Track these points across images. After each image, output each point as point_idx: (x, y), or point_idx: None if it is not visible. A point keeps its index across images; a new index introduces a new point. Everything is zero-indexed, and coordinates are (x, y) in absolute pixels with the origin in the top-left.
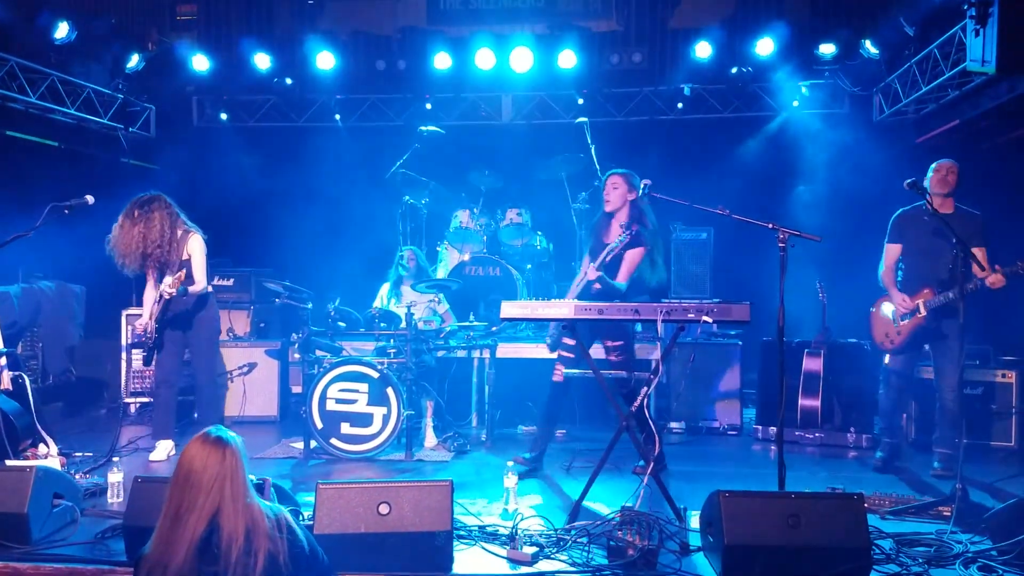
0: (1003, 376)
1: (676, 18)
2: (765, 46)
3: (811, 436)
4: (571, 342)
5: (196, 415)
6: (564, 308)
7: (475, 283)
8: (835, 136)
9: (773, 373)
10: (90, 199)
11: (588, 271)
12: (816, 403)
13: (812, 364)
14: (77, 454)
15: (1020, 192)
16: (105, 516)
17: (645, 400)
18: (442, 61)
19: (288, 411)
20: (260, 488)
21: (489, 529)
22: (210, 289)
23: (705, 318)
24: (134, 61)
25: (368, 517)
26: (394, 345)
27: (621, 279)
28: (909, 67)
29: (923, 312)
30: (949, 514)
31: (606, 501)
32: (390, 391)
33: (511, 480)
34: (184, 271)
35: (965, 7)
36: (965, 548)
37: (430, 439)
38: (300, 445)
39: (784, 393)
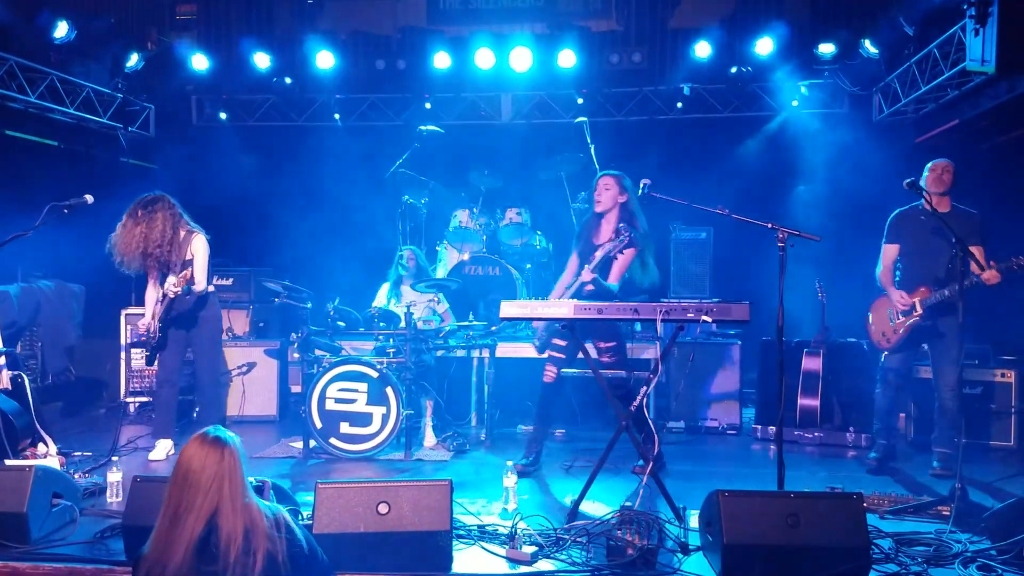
0: (1002, 376)
1: (676, 18)
2: (765, 46)
3: (810, 436)
4: (561, 342)
5: (197, 414)
6: (564, 308)
7: (475, 283)
8: (834, 136)
9: (772, 373)
10: (89, 198)
11: (583, 273)
12: (815, 403)
13: (811, 364)
14: (76, 454)
15: (1020, 192)
16: (104, 516)
17: (644, 400)
18: (442, 61)
19: (287, 411)
20: (260, 490)
21: (488, 528)
22: (211, 289)
23: (704, 318)
24: (133, 60)
25: (367, 517)
26: (393, 345)
27: (612, 280)
28: (909, 67)
29: (919, 311)
30: (948, 514)
31: (605, 501)
32: (389, 391)
33: (510, 479)
34: (189, 271)
35: (965, 7)
36: (964, 548)
37: (429, 439)
38: (299, 444)
39: (783, 393)
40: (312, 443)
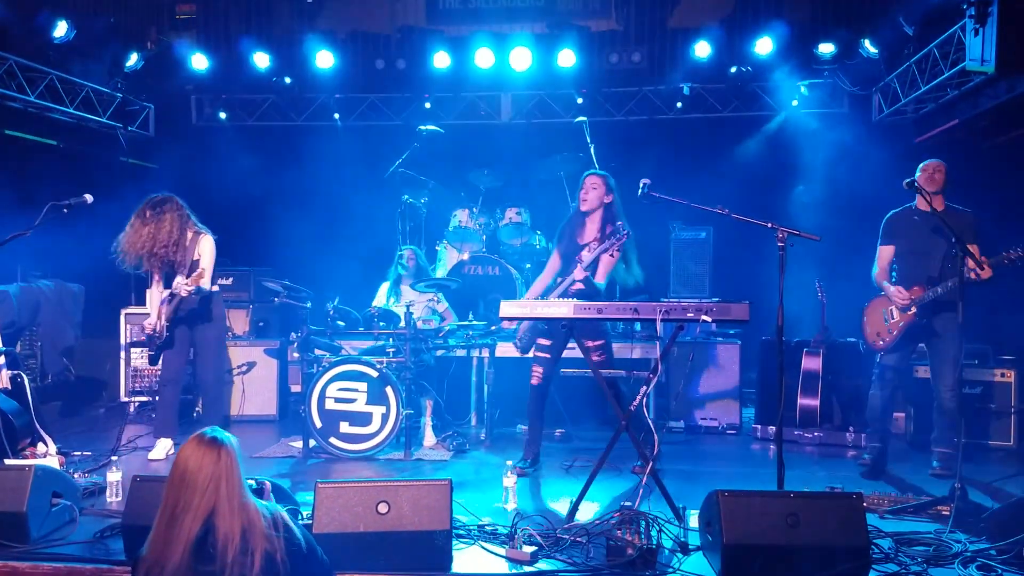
0: (1002, 375)
1: (675, 17)
2: (764, 45)
3: (810, 435)
4: (546, 342)
5: (200, 413)
6: (563, 308)
7: (474, 282)
8: (834, 136)
9: (772, 372)
10: (89, 198)
11: (576, 271)
12: (815, 402)
13: (811, 363)
14: (76, 453)
15: (1019, 191)
16: (104, 515)
17: (644, 400)
18: (441, 60)
19: (287, 410)
20: (259, 491)
21: (488, 528)
22: (215, 289)
23: (704, 317)
24: (133, 60)
25: (367, 516)
26: (393, 344)
27: (599, 279)
28: (908, 67)
29: (913, 310)
30: (948, 513)
31: (605, 500)
32: (389, 390)
33: (510, 479)
34: (202, 270)
35: (964, 7)
36: (964, 547)
37: (429, 438)
38: (299, 444)
39: (783, 392)
40: (312, 443)
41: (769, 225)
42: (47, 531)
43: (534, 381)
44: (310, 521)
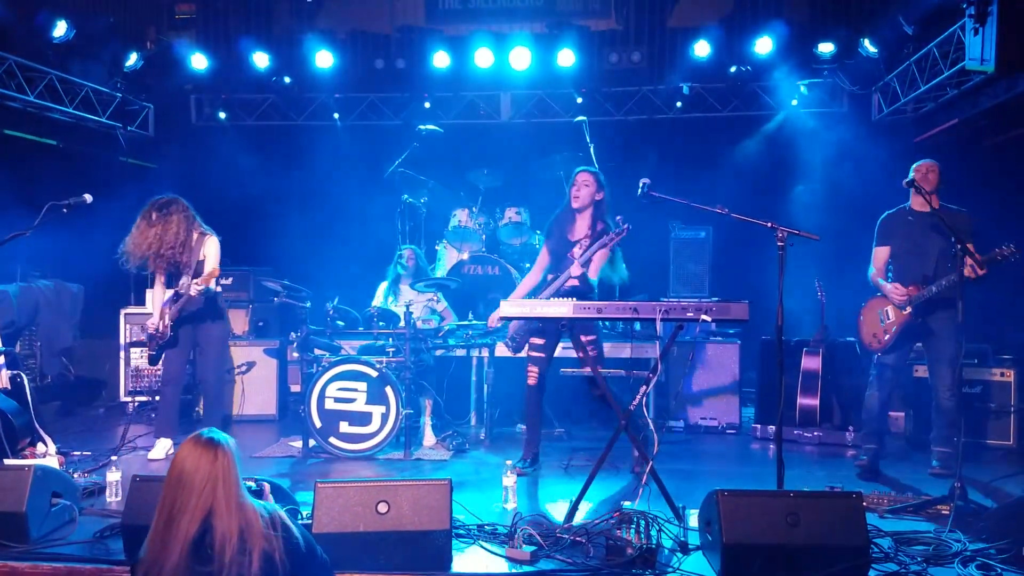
0: (1001, 375)
1: (675, 17)
2: (764, 45)
3: (810, 435)
4: (539, 341)
5: (201, 412)
6: (563, 307)
7: (474, 282)
8: (834, 135)
9: (772, 372)
10: (88, 198)
11: (573, 267)
12: (815, 402)
13: (811, 363)
14: (75, 453)
15: (1018, 191)
16: (104, 515)
17: (644, 399)
18: (441, 60)
19: (287, 410)
20: (258, 493)
21: (488, 528)
22: (218, 290)
23: (704, 317)
24: (132, 60)
25: (367, 516)
26: (393, 344)
27: (592, 275)
28: (908, 66)
29: (909, 309)
30: (948, 513)
31: (605, 500)
32: (389, 390)
33: (510, 479)
34: (217, 268)
35: (964, 6)
36: (964, 547)
37: (429, 438)
38: (299, 444)
39: (783, 392)
40: (311, 442)
41: (769, 225)
42: (47, 531)
43: (531, 381)
44: (310, 521)
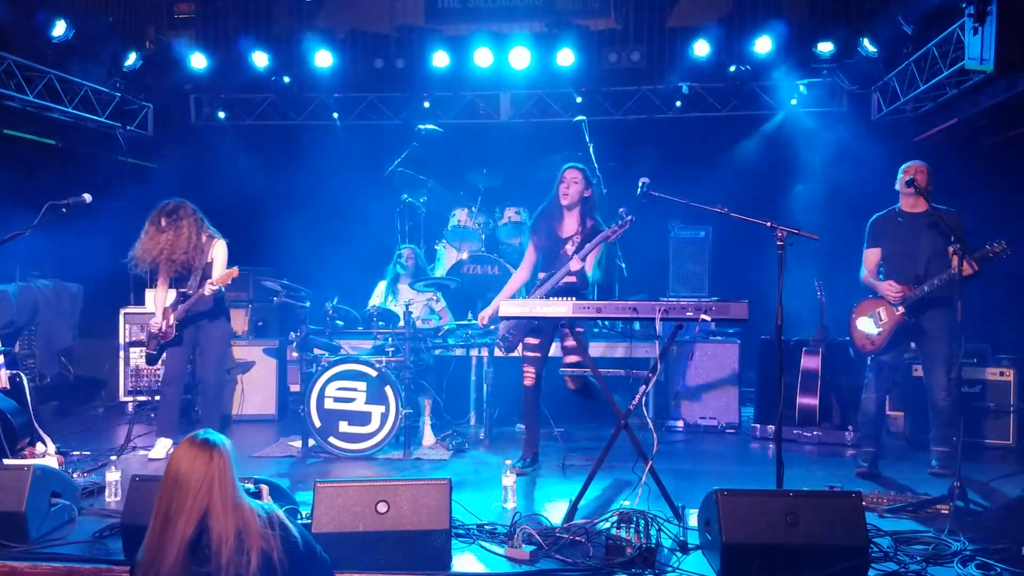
0: (1001, 374)
1: (674, 16)
2: (763, 44)
3: (809, 434)
4: (535, 341)
5: (199, 412)
6: (563, 307)
7: (473, 282)
8: (833, 134)
9: (771, 371)
10: (88, 197)
11: (572, 262)
12: (814, 401)
13: (810, 362)
14: (75, 453)
15: (1018, 190)
16: (103, 515)
17: (643, 399)
18: (440, 60)
19: (286, 410)
20: (257, 495)
21: (487, 528)
22: (223, 289)
23: (703, 316)
24: (132, 59)
25: (366, 516)
26: (392, 344)
27: (588, 271)
28: (907, 65)
29: (902, 309)
30: (947, 512)
31: (604, 499)
32: (388, 390)
33: (509, 478)
34: (236, 269)
35: (964, 5)
36: (963, 546)
37: (428, 437)
38: (298, 444)
39: (782, 391)
40: (311, 442)
41: (768, 224)
42: (46, 531)
43: (527, 382)
44: (309, 521)
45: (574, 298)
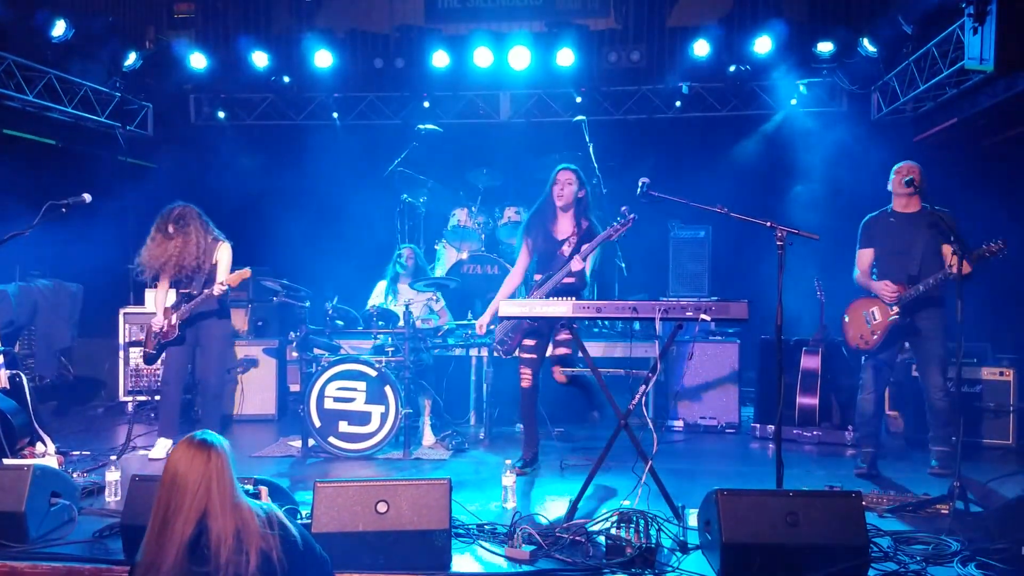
0: (1001, 374)
1: (674, 16)
2: (763, 44)
3: (809, 434)
4: (531, 342)
5: (200, 412)
6: (563, 307)
7: (473, 281)
8: (833, 134)
9: (771, 371)
10: (87, 197)
11: (573, 262)
12: (814, 401)
13: (810, 362)
14: (75, 453)
15: (1017, 190)
16: (103, 515)
17: (643, 399)
18: (440, 59)
19: (286, 409)
20: (256, 497)
21: (487, 527)
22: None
23: (703, 316)
24: (131, 59)
25: (366, 516)
26: (392, 343)
27: (586, 271)
28: (907, 65)
29: (896, 309)
30: (947, 512)
31: (604, 499)
32: (388, 389)
33: (509, 478)
34: (248, 270)
35: (963, 5)
36: (963, 546)
37: (428, 437)
38: (298, 443)
39: (782, 391)
40: (311, 442)
41: (768, 224)
42: (46, 531)
43: (524, 384)
44: (309, 520)
45: (574, 298)
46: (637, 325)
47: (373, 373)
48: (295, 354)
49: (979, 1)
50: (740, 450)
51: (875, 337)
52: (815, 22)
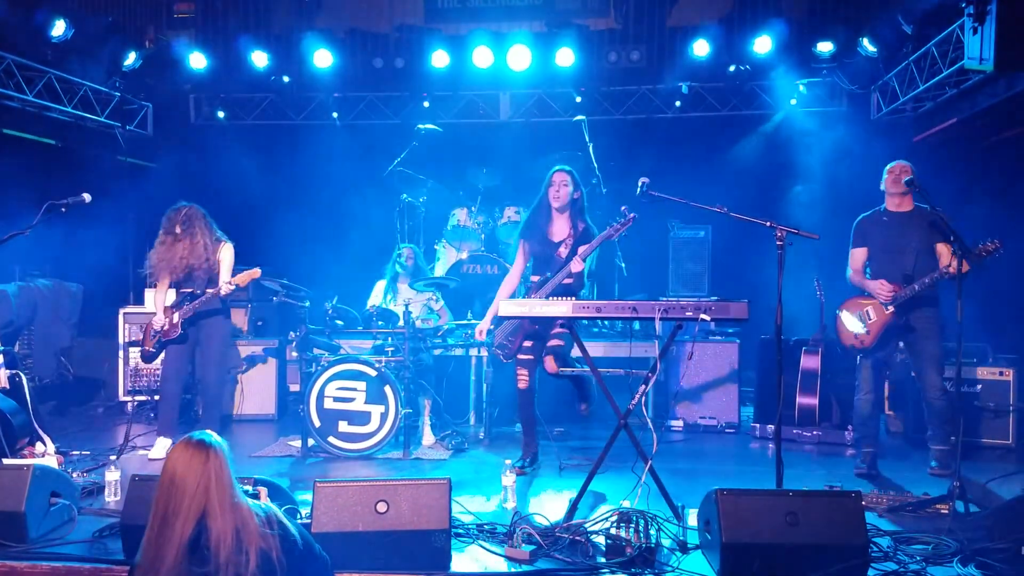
0: (1000, 374)
1: (674, 16)
2: (763, 44)
3: (809, 434)
4: (528, 343)
5: (200, 411)
6: (563, 307)
7: (473, 281)
8: (833, 134)
9: (771, 371)
10: (87, 197)
11: (573, 262)
12: (814, 401)
13: (810, 362)
14: (74, 452)
15: (1017, 189)
16: (103, 515)
17: (643, 398)
18: (440, 59)
19: (286, 409)
20: (255, 498)
21: (487, 527)
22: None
23: (703, 316)
24: (131, 59)
25: (366, 515)
26: (392, 343)
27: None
28: (907, 65)
29: (891, 309)
30: (947, 512)
31: (604, 499)
32: (388, 389)
33: (509, 478)
34: (258, 270)
35: (963, 5)
36: (963, 546)
37: (428, 437)
38: (298, 443)
39: (782, 391)
40: (311, 442)
41: (768, 224)
42: (45, 530)
43: (521, 385)
44: (309, 520)
45: (573, 298)
46: (637, 325)
47: (373, 373)
48: (295, 354)
49: (979, 1)
50: (740, 450)
51: (870, 336)
52: (815, 22)
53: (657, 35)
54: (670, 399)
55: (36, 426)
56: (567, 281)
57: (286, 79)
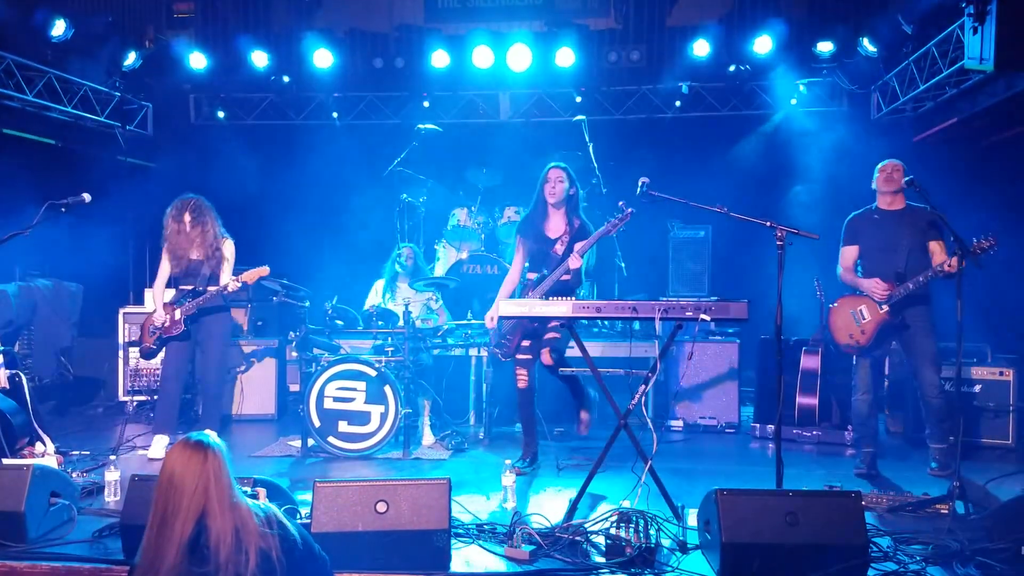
0: (1000, 374)
1: (674, 16)
2: (763, 44)
3: (809, 434)
4: (526, 343)
5: (200, 410)
6: (563, 306)
7: (473, 281)
8: (833, 134)
9: (771, 371)
10: (87, 197)
11: (571, 260)
12: (814, 401)
13: (810, 362)
14: (74, 452)
15: (1017, 189)
16: (102, 515)
17: (643, 398)
18: (440, 59)
19: (286, 409)
20: (254, 499)
21: (487, 527)
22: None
23: (703, 316)
24: (131, 59)
25: (366, 515)
26: (391, 343)
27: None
28: (907, 65)
29: (886, 308)
30: (947, 512)
31: (604, 499)
32: (388, 389)
33: (509, 478)
34: (267, 268)
35: (963, 5)
36: (963, 546)
37: (428, 437)
38: (298, 443)
39: (782, 391)
40: (310, 442)
41: (768, 224)
42: (45, 530)
43: (520, 384)
44: (308, 520)
45: (572, 297)
46: (637, 325)
47: (373, 373)
48: (295, 354)
49: (979, 1)
50: (740, 450)
51: (865, 336)
52: (815, 22)
53: (657, 35)
54: (670, 399)
55: (36, 426)
56: (565, 278)
57: (286, 79)
